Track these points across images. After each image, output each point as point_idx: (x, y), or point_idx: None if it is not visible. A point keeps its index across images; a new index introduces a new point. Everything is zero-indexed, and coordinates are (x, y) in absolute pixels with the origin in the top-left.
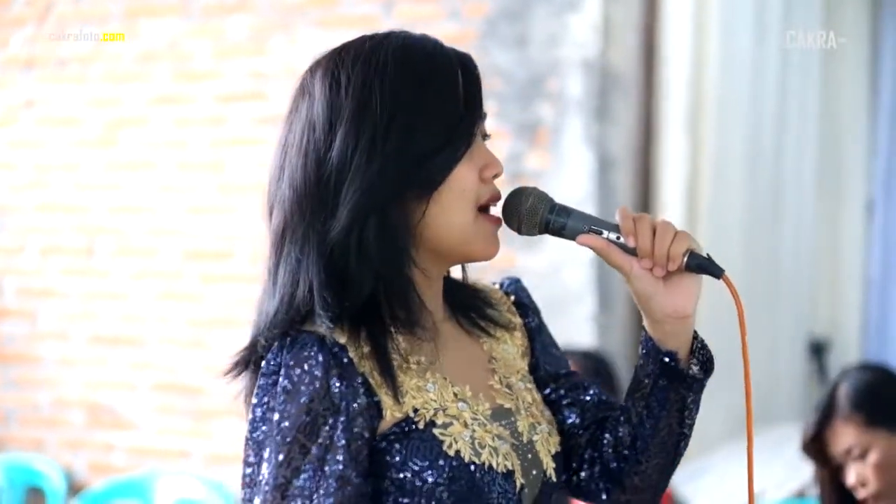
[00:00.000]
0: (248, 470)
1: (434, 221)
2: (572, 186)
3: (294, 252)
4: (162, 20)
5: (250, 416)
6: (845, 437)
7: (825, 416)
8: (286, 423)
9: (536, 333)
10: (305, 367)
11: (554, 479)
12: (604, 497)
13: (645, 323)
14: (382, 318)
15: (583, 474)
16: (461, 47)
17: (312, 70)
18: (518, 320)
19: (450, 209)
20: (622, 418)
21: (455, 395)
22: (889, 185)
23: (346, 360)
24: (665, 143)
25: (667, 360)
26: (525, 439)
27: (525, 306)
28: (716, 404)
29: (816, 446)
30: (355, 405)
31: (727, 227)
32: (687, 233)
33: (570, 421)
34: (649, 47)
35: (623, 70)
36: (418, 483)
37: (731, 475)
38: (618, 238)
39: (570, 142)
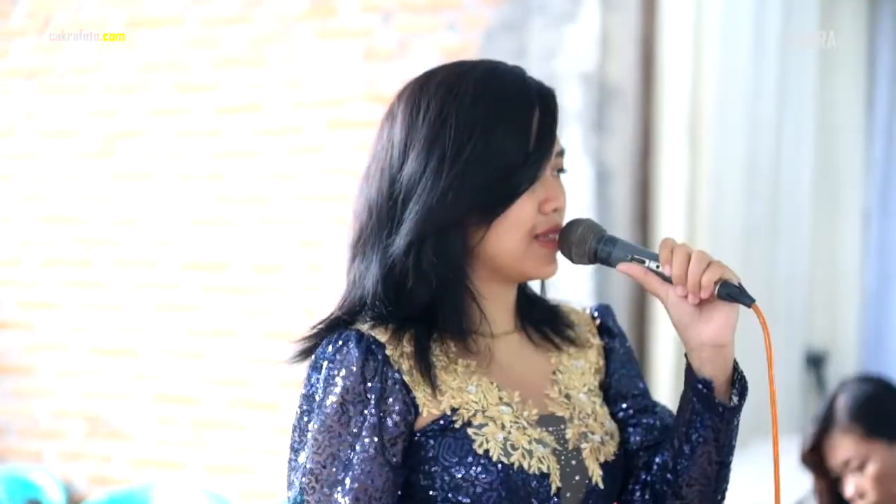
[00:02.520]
0: (292, 455)
1: (491, 245)
2: (571, 198)
3: (362, 261)
4: (161, 31)
5: (297, 404)
6: (844, 448)
7: (823, 428)
8: (324, 413)
9: (615, 354)
10: (344, 361)
11: (601, 486)
12: None
13: (685, 351)
14: (435, 322)
15: (636, 495)
16: (459, 59)
17: (401, 94)
18: (597, 341)
19: (505, 236)
20: (667, 443)
21: (500, 398)
22: (885, 196)
23: (381, 356)
24: (663, 155)
25: (700, 386)
26: (571, 446)
27: (609, 330)
28: None
29: (815, 458)
30: (389, 398)
31: (726, 238)
32: (721, 263)
33: (630, 441)
34: (648, 59)
35: (621, 82)
36: (447, 477)
37: (729, 488)
38: (657, 267)
39: (569, 154)
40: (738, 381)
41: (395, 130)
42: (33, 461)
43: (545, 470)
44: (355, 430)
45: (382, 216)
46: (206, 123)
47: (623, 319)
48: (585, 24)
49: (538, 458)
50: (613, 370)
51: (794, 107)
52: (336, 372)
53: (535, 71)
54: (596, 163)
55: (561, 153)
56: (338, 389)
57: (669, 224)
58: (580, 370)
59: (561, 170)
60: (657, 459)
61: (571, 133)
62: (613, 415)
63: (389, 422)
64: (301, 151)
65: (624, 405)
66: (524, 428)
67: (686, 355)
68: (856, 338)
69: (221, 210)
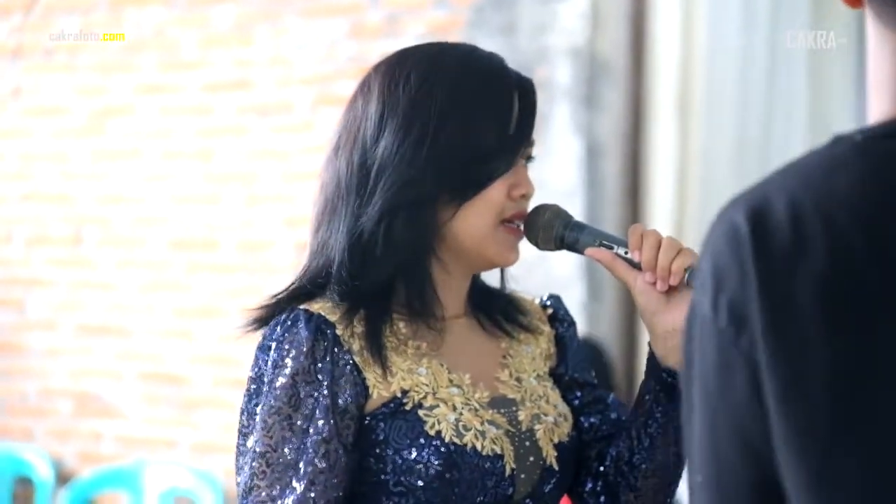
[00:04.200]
0: (241, 439)
1: (458, 225)
2: (561, 174)
3: (327, 229)
4: (147, 9)
5: (246, 387)
6: None
7: None
8: (273, 395)
9: (568, 343)
10: (293, 341)
11: (556, 467)
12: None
13: (650, 339)
14: (389, 302)
15: (588, 486)
16: (448, 35)
17: (377, 67)
18: (548, 329)
19: (474, 218)
20: (624, 434)
21: (450, 381)
22: None
23: (331, 335)
24: (654, 130)
25: (665, 375)
26: (524, 427)
27: (561, 319)
28: None
29: None
30: (340, 380)
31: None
32: (692, 250)
33: (585, 430)
34: (638, 35)
35: (611, 58)
36: (399, 460)
37: None
38: (626, 253)
39: (559, 130)
40: None
41: (371, 103)
42: (23, 439)
43: (499, 451)
44: (307, 412)
45: (352, 186)
46: (193, 101)
47: (614, 292)
48: None
49: (491, 439)
50: (567, 358)
51: (785, 82)
52: (285, 353)
53: (525, 46)
54: (586, 138)
55: (532, 143)
56: (287, 371)
57: (660, 200)
58: (530, 355)
59: (530, 158)
60: (612, 451)
61: (561, 109)
62: (568, 402)
63: (341, 403)
64: (288, 129)
65: (579, 393)
66: (475, 409)
67: (650, 344)
68: None
69: (209, 188)
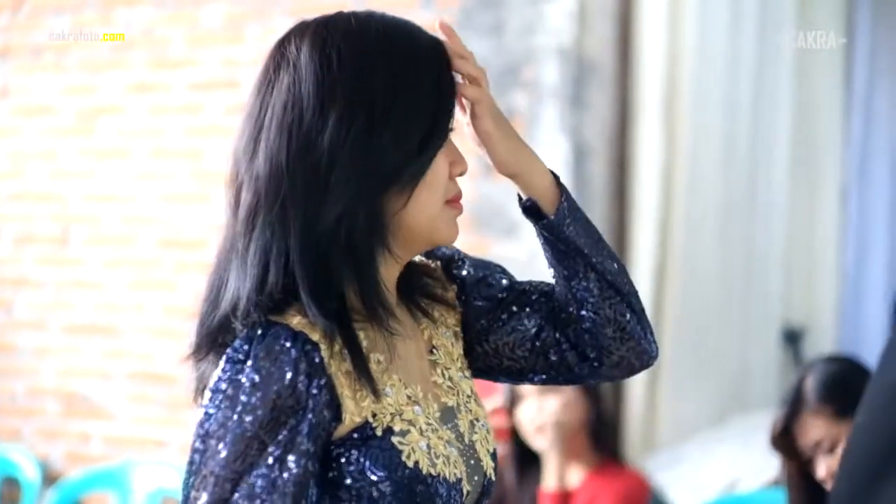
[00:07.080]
0: (196, 457)
1: (412, 212)
2: None
3: (266, 233)
4: (137, 8)
5: (207, 400)
6: (815, 429)
7: (793, 410)
8: (248, 418)
9: (465, 283)
10: (276, 361)
11: (493, 478)
12: (595, 364)
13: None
14: (349, 312)
15: (570, 360)
16: (437, 36)
17: (295, 39)
18: (450, 293)
19: (423, 202)
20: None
21: (409, 397)
22: (862, 173)
23: (317, 358)
24: (640, 131)
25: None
26: (467, 440)
27: (450, 259)
28: (689, 395)
29: (785, 440)
30: (319, 407)
31: (702, 214)
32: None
33: (534, 329)
34: (625, 35)
35: (598, 58)
36: (375, 494)
37: (707, 463)
38: None
39: (546, 130)
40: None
41: (303, 85)
42: (10, 439)
43: (459, 475)
44: (283, 441)
45: (302, 187)
46: (182, 100)
47: None
48: None
49: (454, 462)
50: (471, 300)
51: (772, 83)
52: (266, 374)
53: (513, 47)
54: (573, 138)
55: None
56: (268, 394)
57: (646, 200)
58: (450, 341)
59: (450, 129)
60: (562, 315)
61: (548, 109)
62: (500, 327)
63: (317, 433)
64: None
65: (500, 310)
66: (436, 430)
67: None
68: (833, 314)
69: (198, 187)
